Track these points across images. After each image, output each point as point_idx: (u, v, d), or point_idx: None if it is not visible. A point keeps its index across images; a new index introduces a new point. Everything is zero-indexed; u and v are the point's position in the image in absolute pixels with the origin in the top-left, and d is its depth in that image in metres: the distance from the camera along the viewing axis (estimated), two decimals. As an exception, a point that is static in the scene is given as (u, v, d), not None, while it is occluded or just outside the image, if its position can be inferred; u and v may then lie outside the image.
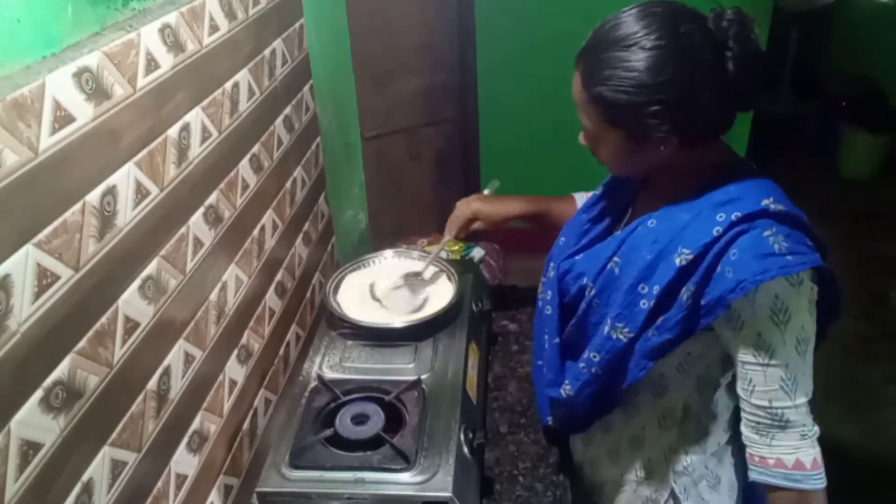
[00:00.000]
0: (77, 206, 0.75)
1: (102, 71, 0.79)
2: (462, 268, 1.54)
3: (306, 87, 1.56)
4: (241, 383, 1.19)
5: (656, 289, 0.98)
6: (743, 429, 0.98)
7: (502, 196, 1.44)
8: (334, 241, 1.80)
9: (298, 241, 1.51)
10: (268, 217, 1.33)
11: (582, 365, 1.10)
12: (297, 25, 1.49)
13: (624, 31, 0.92)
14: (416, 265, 1.51)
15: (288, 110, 1.44)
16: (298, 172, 1.51)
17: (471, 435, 1.13)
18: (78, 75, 0.75)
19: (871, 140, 3.95)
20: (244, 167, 1.21)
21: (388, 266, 1.53)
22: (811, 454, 0.94)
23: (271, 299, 1.34)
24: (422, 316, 1.34)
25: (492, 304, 1.53)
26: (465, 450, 1.11)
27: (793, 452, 0.94)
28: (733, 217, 0.94)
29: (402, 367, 1.27)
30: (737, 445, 1.11)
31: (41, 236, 0.70)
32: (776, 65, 4.16)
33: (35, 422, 0.69)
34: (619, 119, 0.95)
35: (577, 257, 1.14)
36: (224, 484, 1.12)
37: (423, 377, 1.22)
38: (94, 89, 0.78)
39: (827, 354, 1.06)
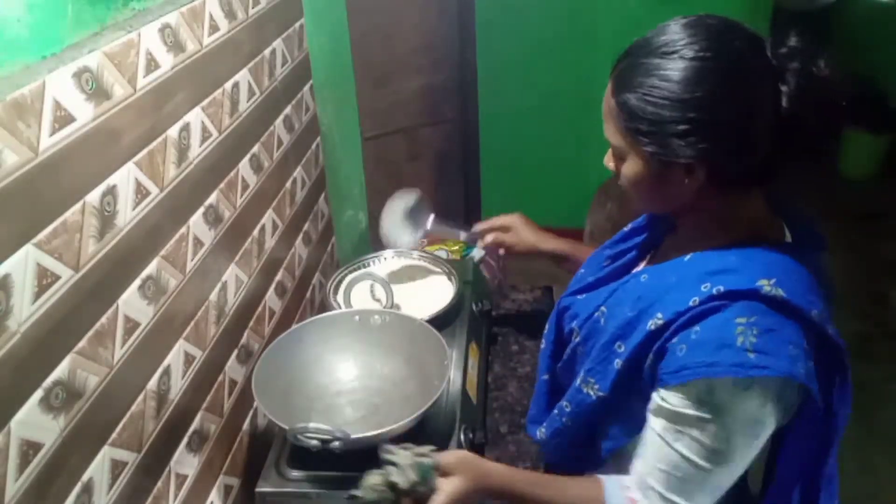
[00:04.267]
0: (77, 206, 0.75)
1: (102, 71, 0.79)
2: (462, 268, 1.54)
3: (306, 87, 1.56)
4: (241, 383, 1.19)
5: (628, 350, 0.89)
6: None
7: (541, 228, 1.37)
8: (334, 241, 1.80)
9: (298, 241, 1.51)
10: (268, 217, 1.33)
11: (556, 411, 1.03)
12: (297, 25, 1.49)
13: (667, 37, 0.83)
14: (415, 260, 1.51)
15: (288, 110, 1.44)
16: (298, 172, 1.51)
17: (471, 435, 1.13)
18: (78, 75, 0.75)
19: (871, 140, 3.95)
20: (244, 167, 1.21)
21: (388, 266, 1.54)
22: None
23: (271, 299, 1.34)
24: (422, 316, 1.34)
25: (492, 304, 1.53)
26: (465, 450, 1.11)
27: None
28: (714, 291, 0.83)
29: (402, 367, 1.27)
30: None
31: (41, 236, 0.70)
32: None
33: (35, 422, 0.69)
34: (642, 134, 0.84)
35: (579, 296, 1.07)
36: (224, 484, 1.12)
37: (423, 377, 1.22)
38: (94, 89, 0.78)
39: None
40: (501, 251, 1.37)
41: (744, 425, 0.82)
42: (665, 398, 0.85)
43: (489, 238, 1.36)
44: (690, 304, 0.83)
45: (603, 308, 0.97)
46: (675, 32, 0.83)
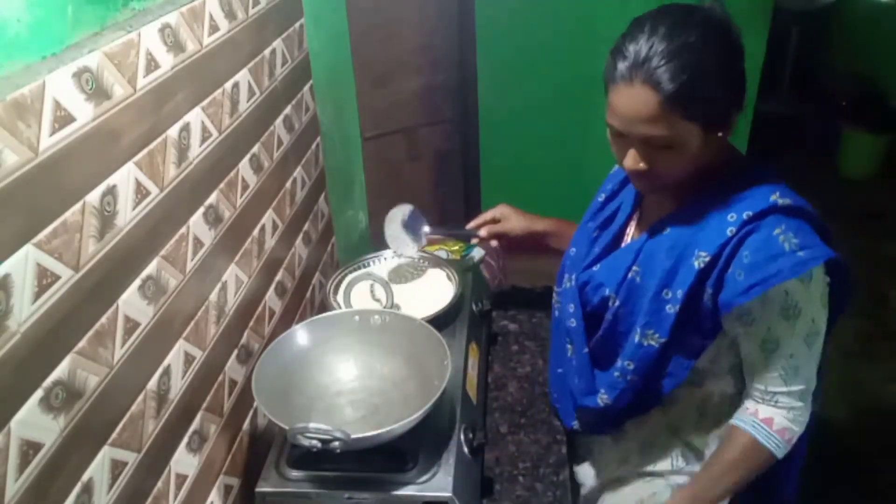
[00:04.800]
0: (77, 206, 0.75)
1: (102, 71, 0.79)
2: (462, 268, 1.54)
3: (306, 87, 1.56)
4: (241, 383, 1.19)
5: (680, 293, 1.01)
6: (745, 397, 1.06)
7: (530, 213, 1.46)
8: (334, 241, 1.80)
9: (298, 241, 1.51)
10: (268, 217, 1.33)
11: (616, 374, 1.12)
12: (297, 25, 1.49)
13: (671, 33, 0.93)
14: (415, 261, 1.52)
15: (288, 110, 1.44)
16: (298, 172, 1.51)
17: (471, 435, 1.13)
18: (78, 75, 0.75)
19: (871, 140, 3.95)
20: (244, 167, 1.21)
21: (388, 266, 1.54)
22: (794, 430, 1.03)
23: (271, 299, 1.34)
24: (422, 316, 1.34)
25: (492, 304, 1.53)
26: (465, 450, 1.11)
27: (782, 421, 1.03)
28: (744, 216, 0.96)
29: (402, 367, 1.26)
30: None
31: (41, 236, 0.70)
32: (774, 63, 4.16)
33: (35, 422, 0.69)
34: (711, 114, 0.95)
35: (594, 268, 1.16)
36: (224, 484, 1.12)
37: (423, 377, 1.22)
38: (94, 89, 0.78)
39: (827, 354, 1.07)
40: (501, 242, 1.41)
41: (820, 303, 1.00)
42: (749, 321, 0.99)
43: (483, 232, 1.41)
44: (729, 234, 0.97)
45: (635, 267, 1.07)
46: (671, 25, 0.93)
